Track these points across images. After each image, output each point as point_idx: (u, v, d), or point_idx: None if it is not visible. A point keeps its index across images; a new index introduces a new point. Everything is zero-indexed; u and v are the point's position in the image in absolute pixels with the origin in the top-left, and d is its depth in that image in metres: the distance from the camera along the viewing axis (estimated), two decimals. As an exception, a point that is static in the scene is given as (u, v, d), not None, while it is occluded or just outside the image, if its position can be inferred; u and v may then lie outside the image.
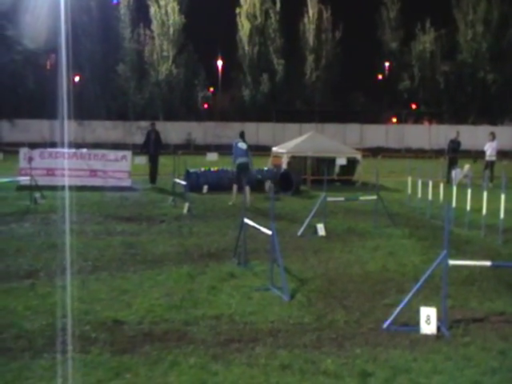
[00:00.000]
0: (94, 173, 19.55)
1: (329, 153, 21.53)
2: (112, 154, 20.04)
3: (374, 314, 6.49)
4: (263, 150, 35.92)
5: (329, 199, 12.24)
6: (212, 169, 19.57)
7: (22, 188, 17.39)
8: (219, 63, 61.49)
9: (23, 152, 19.41)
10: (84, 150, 20.33)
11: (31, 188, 15.36)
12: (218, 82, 61.53)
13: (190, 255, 9.32)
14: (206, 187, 18.14)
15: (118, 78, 56.48)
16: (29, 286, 7.27)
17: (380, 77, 63.77)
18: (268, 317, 6.31)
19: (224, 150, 36.33)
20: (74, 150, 20.09)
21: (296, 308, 6.66)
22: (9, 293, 6.99)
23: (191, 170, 18.70)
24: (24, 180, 17.35)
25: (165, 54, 57.00)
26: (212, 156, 22.81)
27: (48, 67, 53.90)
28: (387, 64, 61.44)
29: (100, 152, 20.38)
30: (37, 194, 15.27)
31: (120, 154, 20.16)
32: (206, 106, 61.87)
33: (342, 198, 14.10)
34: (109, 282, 7.60)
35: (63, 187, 16.72)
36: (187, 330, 5.88)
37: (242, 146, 15.83)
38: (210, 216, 13.64)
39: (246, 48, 59.36)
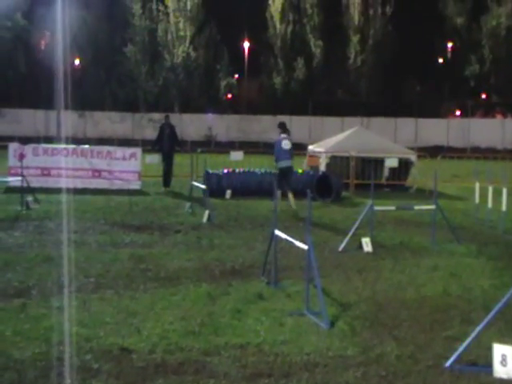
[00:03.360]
0: (97, 173, 19.76)
1: (376, 152, 21.42)
2: (119, 152, 20.25)
3: (433, 349, 6.42)
4: (297, 149, 35.80)
5: (376, 208, 12.20)
6: (237, 170, 19.62)
7: (11, 190, 17.66)
8: (245, 45, 61.80)
9: (13, 148, 19.73)
10: (86, 147, 20.55)
11: (22, 190, 15.55)
12: (244, 67, 61.80)
13: (211, 272, 9.36)
14: (229, 192, 18.22)
15: (127, 61, 57.18)
16: (19, 307, 7.35)
17: (441, 60, 63.25)
18: (303, 348, 6.30)
19: (250, 147, 36.53)
20: (73, 147, 20.33)
21: (337, 338, 6.63)
22: (-5, 314, 7.09)
23: (212, 172, 18.78)
24: (14, 181, 17.62)
25: (181, 33, 57.53)
26: (237, 155, 22.82)
27: (43, 48, 54.77)
28: (450, 44, 60.86)
29: (105, 149, 20.60)
30: (29, 198, 15.49)
31: (128, 151, 20.38)
32: (229, 95, 62.20)
33: (393, 207, 14.08)
34: (115, 302, 7.66)
35: (60, 190, 16.91)
36: (207, 361, 5.89)
37: (286, 145, 15.83)
38: (233, 226, 13.69)
39: (278, 27, 59.56)
